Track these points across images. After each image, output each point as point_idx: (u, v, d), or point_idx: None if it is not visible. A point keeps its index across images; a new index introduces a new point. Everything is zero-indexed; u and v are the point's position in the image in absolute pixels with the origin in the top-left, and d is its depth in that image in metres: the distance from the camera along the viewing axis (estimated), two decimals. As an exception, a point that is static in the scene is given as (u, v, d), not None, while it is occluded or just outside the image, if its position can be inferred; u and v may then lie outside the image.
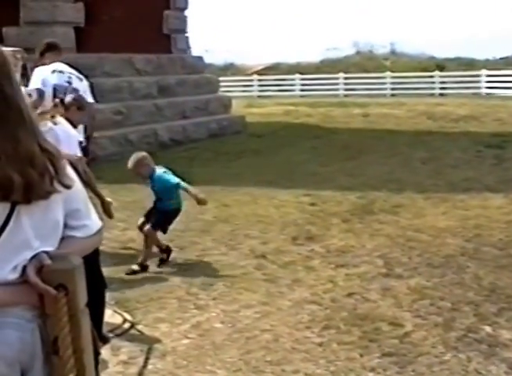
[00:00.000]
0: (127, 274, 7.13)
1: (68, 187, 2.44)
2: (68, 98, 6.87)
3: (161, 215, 7.42)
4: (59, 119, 6.34)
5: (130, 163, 7.43)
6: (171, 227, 8.37)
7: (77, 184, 2.56)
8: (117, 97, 16.92)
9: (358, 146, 16.97)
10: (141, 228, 7.49)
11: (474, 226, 8.71)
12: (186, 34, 21.46)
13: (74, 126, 6.84)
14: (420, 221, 9.09)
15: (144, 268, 7.24)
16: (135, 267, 7.23)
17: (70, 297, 2.41)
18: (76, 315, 2.45)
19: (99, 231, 2.67)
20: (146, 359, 5.10)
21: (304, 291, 6.48)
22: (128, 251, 7.98)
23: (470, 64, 47.89)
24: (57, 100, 6.94)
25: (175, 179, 7.35)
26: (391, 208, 9.88)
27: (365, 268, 7.17)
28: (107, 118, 16.29)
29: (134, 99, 17.51)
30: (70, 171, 2.51)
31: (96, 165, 13.68)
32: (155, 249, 7.45)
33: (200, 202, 7.24)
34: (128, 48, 17.63)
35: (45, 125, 5.92)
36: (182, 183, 7.29)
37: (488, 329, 5.46)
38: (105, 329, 5.53)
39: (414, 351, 5.09)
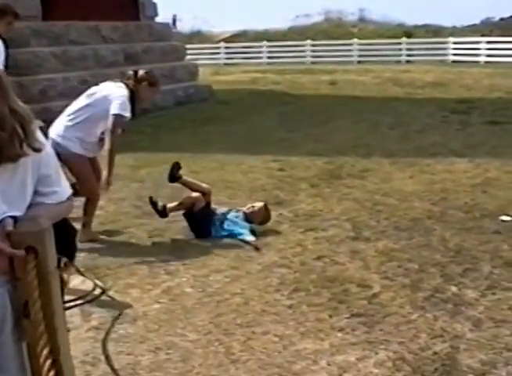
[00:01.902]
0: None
1: (37, 151, 2.43)
2: (141, 71, 6.88)
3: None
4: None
5: None
6: (141, 194, 8.41)
7: (48, 149, 2.55)
8: (83, 65, 16.74)
9: (325, 113, 17.00)
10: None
11: (440, 190, 8.79)
12: (154, 1, 21.22)
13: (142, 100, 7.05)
14: (387, 185, 9.16)
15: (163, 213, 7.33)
16: (161, 204, 7.34)
17: (40, 259, 2.41)
18: (46, 277, 2.45)
19: (70, 198, 2.67)
20: (113, 323, 5.12)
21: (274, 255, 6.52)
22: (97, 218, 7.94)
23: (437, 31, 48.05)
24: (130, 72, 6.99)
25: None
26: (358, 173, 9.94)
27: (334, 231, 7.22)
28: (73, 87, 16.11)
29: (100, 67, 17.33)
30: (39, 135, 2.50)
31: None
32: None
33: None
34: (95, 15, 17.41)
35: None
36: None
37: (453, 289, 5.54)
38: (75, 295, 5.56)
39: (382, 311, 5.15)
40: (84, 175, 6.90)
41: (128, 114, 6.79)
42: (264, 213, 7.39)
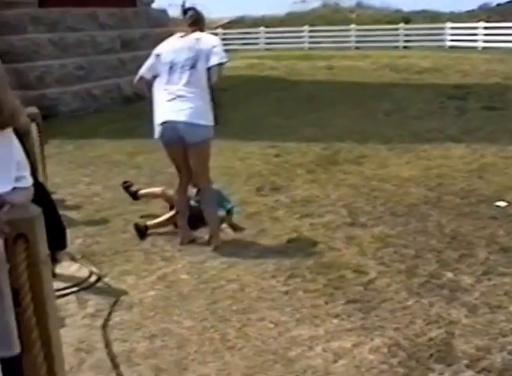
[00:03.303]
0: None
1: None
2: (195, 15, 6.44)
3: None
4: None
5: None
6: (138, 180, 8.39)
7: (14, 137, 2.61)
8: (79, 52, 16.67)
9: (322, 99, 16.95)
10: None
11: (436, 176, 8.77)
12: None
13: None
14: (383, 171, 9.13)
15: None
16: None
17: (30, 247, 2.38)
18: (37, 265, 2.42)
19: (31, 186, 2.71)
20: (111, 311, 5.11)
21: (270, 241, 6.51)
22: (93, 205, 7.93)
23: (435, 17, 47.86)
24: (190, 14, 6.42)
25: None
26: (355, 159, 9.91)
27: (330, 217, 7.19)
28: (70, 73, 16.08)
29: (97, 54, 17.27)
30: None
31: (60, 121, 13.60)
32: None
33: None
34: (92, 1, 17.33)
35: None
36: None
37: (449, 275, 5.53)
38: (71, 282, 5.56)
39: (378, 297, 5.14)
40: None
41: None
42: None
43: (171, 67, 6.18)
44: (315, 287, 5.37)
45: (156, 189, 7.41)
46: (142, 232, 6.81)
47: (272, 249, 6.29)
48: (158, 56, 6.30)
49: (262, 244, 6.47)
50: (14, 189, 2.52)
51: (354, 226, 6.89)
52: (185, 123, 6.14)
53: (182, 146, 6.21)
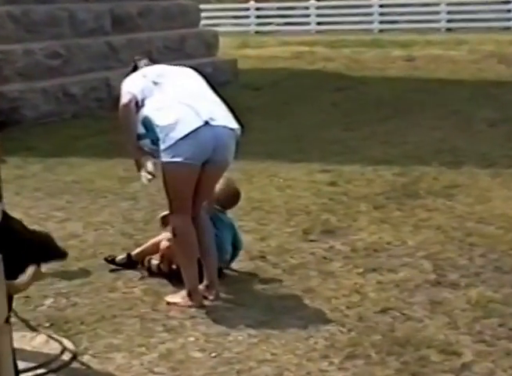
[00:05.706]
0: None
1: None
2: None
3: None
4: None
5: None
6: (133, 217, 8.46)
7: None
8: (53, 33, 16.83)
9: (397, 103, 17.02)
10: None
11: (562, 215, 8.76)
12: None
13: None
14: (484, 207, 9.13)
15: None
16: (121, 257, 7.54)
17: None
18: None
19: None
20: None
21: (320, 306, 6.52)
22: (69, 251, 7.93)
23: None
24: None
25: None
26: (443, 189, 9.92)
27: (407, 273, 7.21)
28: (39, 63, 16.21)
29: (77, 36, 17.42)
30: None
31: (23, 131, 13.71)
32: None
33: None
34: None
35: None
36: None
37: None
38: (35, 362, 5.59)
39: (476, 390, 5.15)
40: None
41: None
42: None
43: None
44: (385, 373, 5.38)
45: (156, 239, 7.41)
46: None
47: (322, 317, 6.32)
48: None
49: (309, 309, 6.50)
50: None
51: (441, 286, 6.90)
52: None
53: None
